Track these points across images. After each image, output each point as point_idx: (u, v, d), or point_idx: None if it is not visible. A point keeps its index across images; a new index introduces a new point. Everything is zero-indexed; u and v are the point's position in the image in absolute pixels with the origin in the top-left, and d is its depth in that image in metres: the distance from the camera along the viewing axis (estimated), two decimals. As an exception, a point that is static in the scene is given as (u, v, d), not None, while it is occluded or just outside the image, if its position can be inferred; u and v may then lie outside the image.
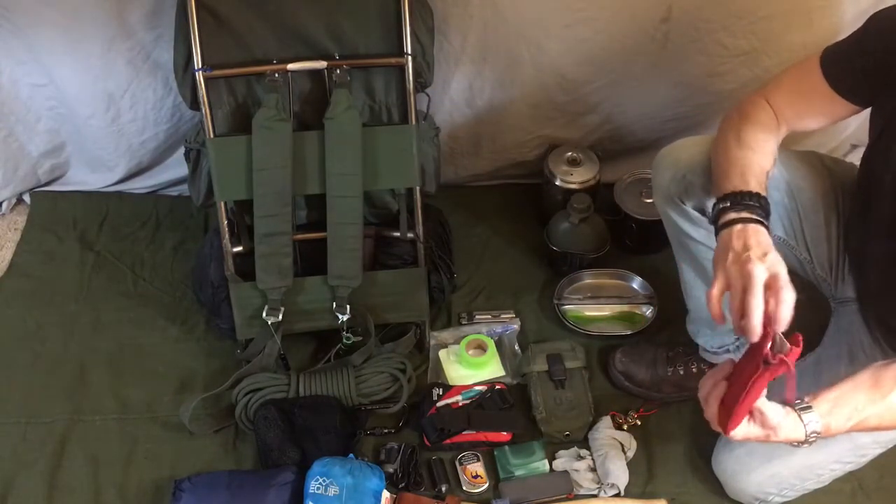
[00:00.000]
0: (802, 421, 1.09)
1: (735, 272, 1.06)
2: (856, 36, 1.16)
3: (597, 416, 1.54)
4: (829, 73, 1.18)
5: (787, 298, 1.02)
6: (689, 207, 1.32)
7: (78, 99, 1.78)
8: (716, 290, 1.08)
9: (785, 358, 1.00)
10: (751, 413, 1.09)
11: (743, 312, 1.03)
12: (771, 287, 1.03)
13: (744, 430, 1.10)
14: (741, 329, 1.04)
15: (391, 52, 1.50)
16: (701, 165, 1.27)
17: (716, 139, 1.26)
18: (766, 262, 1.05)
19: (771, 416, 1.08)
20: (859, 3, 1.60)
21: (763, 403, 1.08)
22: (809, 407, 1.10)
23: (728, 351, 1.49)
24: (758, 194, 1.13)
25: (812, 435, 1.10)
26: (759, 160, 1.18)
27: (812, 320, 1.47)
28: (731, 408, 1.07)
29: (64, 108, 1.83)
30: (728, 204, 1.12)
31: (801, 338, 1.02)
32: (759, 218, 1.10)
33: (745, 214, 1.10)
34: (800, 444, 1.11)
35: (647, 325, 1.72)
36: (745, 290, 1.03)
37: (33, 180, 1.99)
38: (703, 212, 1.31)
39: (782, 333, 1.02)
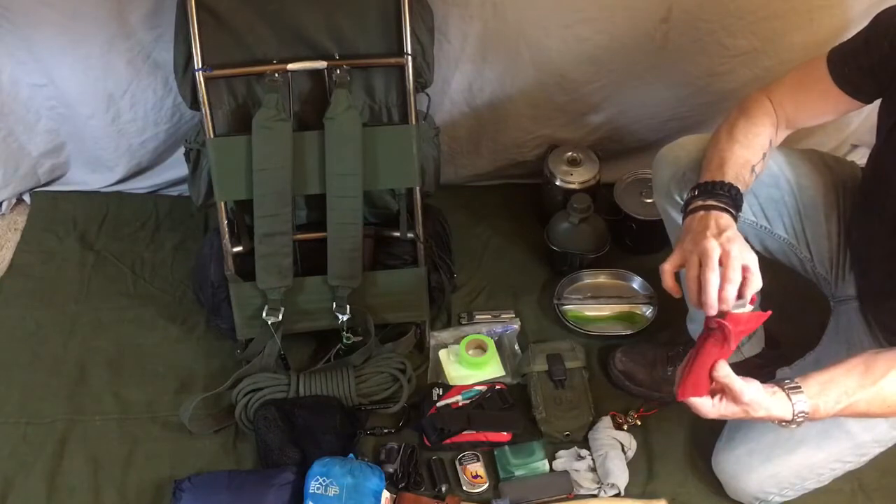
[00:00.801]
0: (791, 400, 1.09)
1: (690, 248, 1.09)
2: (862, 35, 1.17)
3: (597, 416, 1.54)
4: (834, 71, 1.19)
5: (734, 278, 1.04)
6: None
7: (78, 99, 1.78)
8: (668, 265, 1.12)
9: (722, 322, 1.03)
10: (723, 390, 1.09)
11: (699, 287, 1.05)
12: (722, 264, 1.05)
13: (716, 407, 1.09)
14: (698, 304, 1.06)
15: (391, 52, 1.50)
16: (697, 163, 1.27)
17: (712, 134, 1.27)
18: (720, 238, 1.07)
19: (738, 388, 1.07)
20: (860, 3, 1.60)
21: (729, 378, 1.07)
22: (799, 387, 1.10)
23: None
24: (729, 184, 1.14)
25: (800, 415, 1.09)
26: (744, 153, 1.19)
27: (812, 319, 1.47)
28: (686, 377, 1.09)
29: (64, 108, 1.83)
30: (696, 193, 1.15)
31: (764, 314, 1.07)
32: (724, 206, 1.12)
33: (710, 202, 1.12)
34: (787, 423, 1.11)
35: (647, 325, 1.72)
36: (702, 265, 1.06)
37: (33, 180, 1.99)
38: None
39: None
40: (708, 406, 1.10)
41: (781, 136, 1.27)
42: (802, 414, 1.09)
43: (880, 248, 1.22)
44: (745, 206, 1.29)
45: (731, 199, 1.13)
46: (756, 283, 1.06)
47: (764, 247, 1.37)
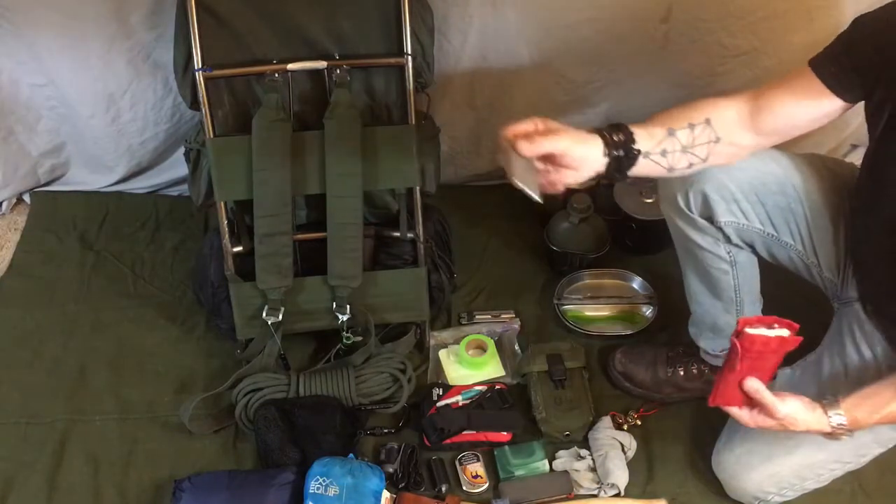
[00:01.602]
0: (827, 414, 1.15)
1: None
2: (844, 38, 1.16)
3: (597, 416, 1.54)
4: (820, 72, 1.16)
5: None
6: (695, 215, 1.32)
7: (78, 99, 1.78)
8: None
9: (734, 339, 1.09)
10: (760, 404, 1.14)
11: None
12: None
13: (754, 419, 1.16)
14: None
15: (391, 52, 1.50)
16: (706, 173, 1.27)
17: None
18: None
19: (770, 403, 1.12)
20: (859, 3, 1.60)
21: (759, 394, 1.12)
22: (836, 401, 1.16)
23: None
24: (622, 124, 1.15)
25: (839, 427, 1.15)
26: (667, 119, 1.19)
27: (812, 319, 1.47)
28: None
29: (64, 108, 1.83)
30: None
31: (787, 339, 1.10)
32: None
33: None
34: (829, 436, 1.17)
35: (647, 325, 1.72)
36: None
37: (33, 180, 1.99)
38: (710, 219, 1.31)
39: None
40: (746, 417, 1.17)
41: (749, 138, 1.21)
42: (842, 426, 1.15)
43: (879, 248, 1.22)
44: (752, 215, 1.30)
45: (613, 126, 1.14)
46: (568, 177, 1.10)
47: (770, 254, 1.37)
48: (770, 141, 1.23)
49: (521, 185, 1.11)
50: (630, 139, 1.14)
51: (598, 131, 1.13)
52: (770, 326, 1.11)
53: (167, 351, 1.69)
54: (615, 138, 1.13)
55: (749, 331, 1.09)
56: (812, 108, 1.18)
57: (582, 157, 1.10)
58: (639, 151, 1.14)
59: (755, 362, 1.12)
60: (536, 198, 1.12)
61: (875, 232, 1.21)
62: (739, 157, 1.24)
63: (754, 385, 1.12)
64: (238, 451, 1.53)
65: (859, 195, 1.27)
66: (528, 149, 1.08)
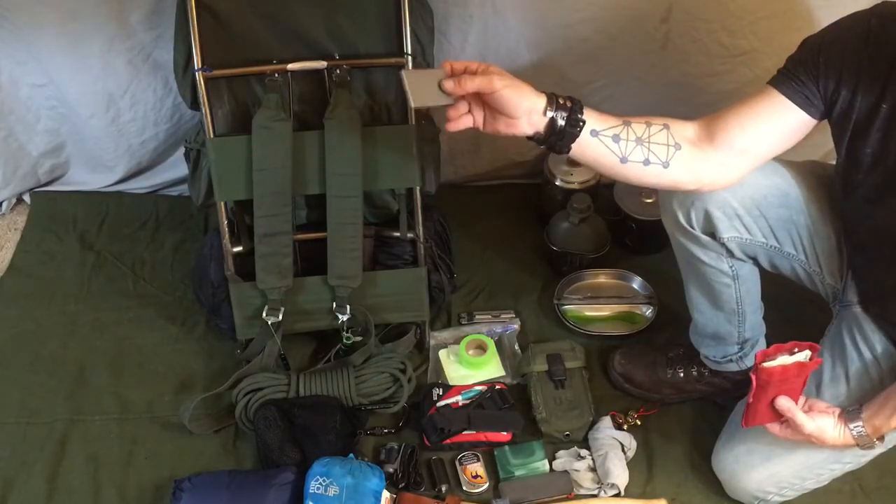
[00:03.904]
0: (849, 427, 1.19)
1: None
2: (794, 58, 1.17)
3: (597, 416, 1.54)
4: (782, 87, 1.16)
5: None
6: (697, 232, 1.32)
7: (78, 99, 1.78)
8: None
9: (752, 375, 1.15)
10: (789, 421, 1.20)
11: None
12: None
13: (784, 432, 1.23)
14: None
15: (391, 52, 1.50)
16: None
17: None
18: None
19: (799, 422, 1.18)
20: (859, 3, 1.60)
21: (791, 412, 1.18)
22: (856, 413, 1.19)
23: (731, 361, 1.49)
24: (575, 98, 1.13)
25: (861, 438, 1.19)
26: (632, 116, 1.19)
27: (812, 320, 1.47)
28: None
29: (64, 108, 1.83)
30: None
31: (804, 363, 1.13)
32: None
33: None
34: (860, 447, 1.21)
35: (647, 325, 1.72)
36: None
37: (33, 180, 1.99)
38: (712, 235, 1.31)
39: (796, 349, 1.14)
40: (777, 430, 1.23)
41: (715, 155, 1.20)
42: (862, 436, 1.18)
43: (874, 255, 1.23)
44: (755, 229, 1.30)
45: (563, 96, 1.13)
46: (502, 124, 1.10)
47: (773, 265, 1.37)
48: (743, 161, 1.20)
49: (406, 80, 1.09)
50: (578, 109, 1.11)
51: (548, 93, 1.11)
52: (791, 351, 1.14)
53: (167, 351, 1.69)
54: (561, 101, 1.11)
55: (766, 365, 1.13)
56: (779, 123, 1.18)
57: (515, 104, 1.08)
58: (584, 122, 1.12)
59: (781, 386, 1.17)
60: (411, 101, 1.09)
61: (869, 241, 1.22)
62: (709, 179, 1.22)
63: (786, 404, 1.18)
64: (238, 451, 1.52)
65: (843, 208, 1.28)
66: (470, 84, 1.06)
